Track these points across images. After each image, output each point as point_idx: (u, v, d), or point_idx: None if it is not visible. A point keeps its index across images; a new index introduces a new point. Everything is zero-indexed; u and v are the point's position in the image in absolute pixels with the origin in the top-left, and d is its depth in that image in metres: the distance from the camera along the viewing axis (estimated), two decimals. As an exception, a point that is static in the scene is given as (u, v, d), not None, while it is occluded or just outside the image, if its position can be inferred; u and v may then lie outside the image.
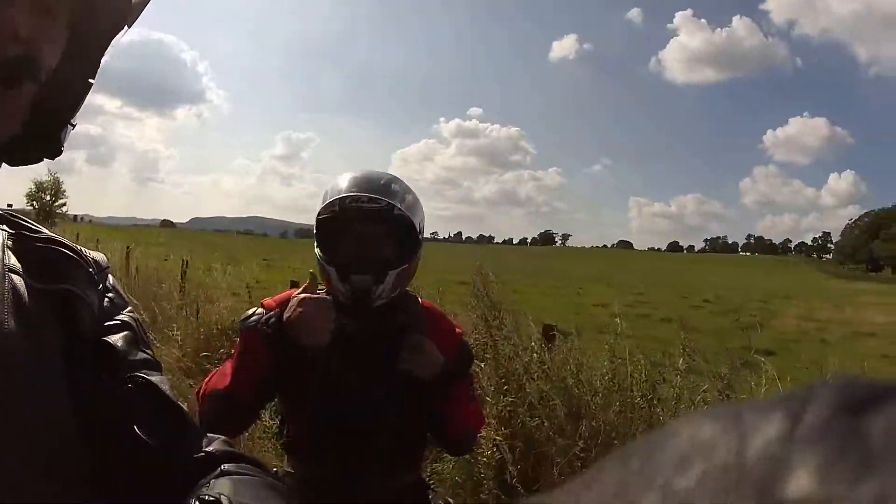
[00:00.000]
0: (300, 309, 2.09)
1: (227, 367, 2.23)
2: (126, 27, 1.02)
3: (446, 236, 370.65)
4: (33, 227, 1.05)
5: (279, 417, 2.51)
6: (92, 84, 1.00)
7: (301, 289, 2.21)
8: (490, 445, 4.67)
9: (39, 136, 0.97)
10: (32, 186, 47.23)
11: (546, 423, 4.90)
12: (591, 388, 5.24)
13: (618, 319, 5.81)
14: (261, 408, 2.34)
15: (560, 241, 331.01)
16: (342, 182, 2.24)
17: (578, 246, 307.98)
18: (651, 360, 5.42)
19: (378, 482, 2.29)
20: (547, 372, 5.32)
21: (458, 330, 2.50)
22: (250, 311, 2.29)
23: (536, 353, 5.46)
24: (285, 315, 2.10)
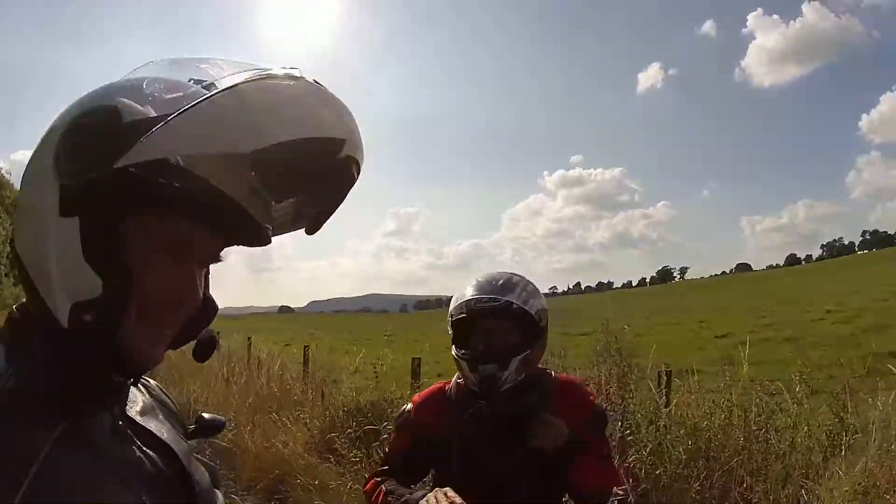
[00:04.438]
0: None
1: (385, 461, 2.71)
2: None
3: (565, 289, 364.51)
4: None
5: None
6: None
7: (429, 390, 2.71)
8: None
9: None
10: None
11: (663, 472, 5.04)
12: (708, 431, 5.31)
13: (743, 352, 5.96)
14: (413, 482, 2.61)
15: (678, 276, 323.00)
16: (468, 287, 2.59)
17: (697, 277, 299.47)
18: (767, 390, 5.50)
19: None
20: (665, 422, 5.43)
21: (591, 398, 2.72)
22: (402, 409, 2.75)
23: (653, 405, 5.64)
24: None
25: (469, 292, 2.57)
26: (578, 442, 2.46)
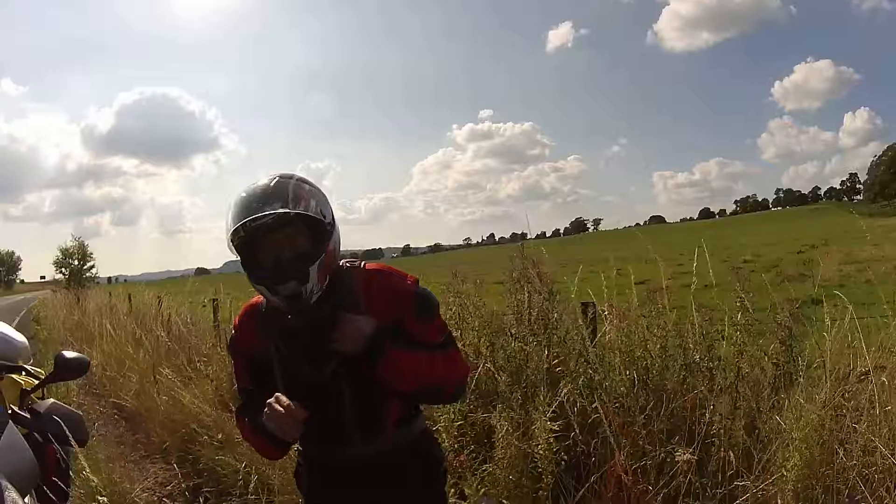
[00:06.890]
0: (273, 415, 2.37)
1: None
2: None
3: (480, 240, 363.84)
4: None
5: None
6: None
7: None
8: (545, 437, 4.40)
9: None
10: (59, 254, 46.98)
11: (605, 402, 4.67)
12: (644, 359, 5.09)
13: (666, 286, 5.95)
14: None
15: (592, 227, 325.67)
16: (235, 207, 2.38)
17: (611, 228, 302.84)
18: (706, 319, 5.26)
19: (359, 447, 2.58)
20: (599, 354, 5.14)
21: (406, 283, 2.58)
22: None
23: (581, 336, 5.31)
24: (265, 415, 2.40)
25: (238, 212, 2.36)
26: (397, 333, 2.44)
